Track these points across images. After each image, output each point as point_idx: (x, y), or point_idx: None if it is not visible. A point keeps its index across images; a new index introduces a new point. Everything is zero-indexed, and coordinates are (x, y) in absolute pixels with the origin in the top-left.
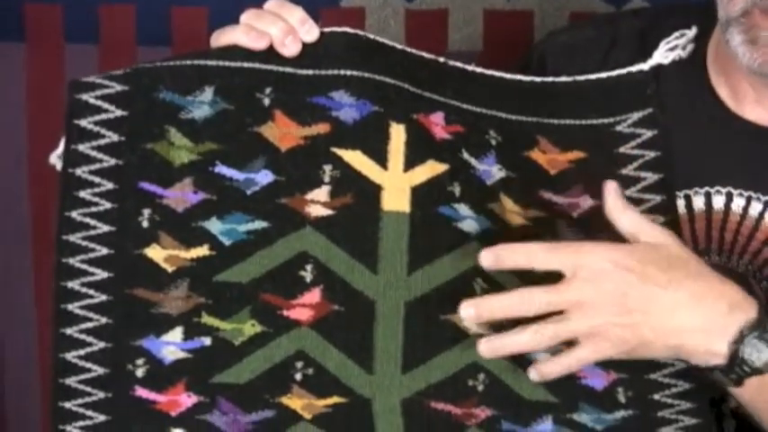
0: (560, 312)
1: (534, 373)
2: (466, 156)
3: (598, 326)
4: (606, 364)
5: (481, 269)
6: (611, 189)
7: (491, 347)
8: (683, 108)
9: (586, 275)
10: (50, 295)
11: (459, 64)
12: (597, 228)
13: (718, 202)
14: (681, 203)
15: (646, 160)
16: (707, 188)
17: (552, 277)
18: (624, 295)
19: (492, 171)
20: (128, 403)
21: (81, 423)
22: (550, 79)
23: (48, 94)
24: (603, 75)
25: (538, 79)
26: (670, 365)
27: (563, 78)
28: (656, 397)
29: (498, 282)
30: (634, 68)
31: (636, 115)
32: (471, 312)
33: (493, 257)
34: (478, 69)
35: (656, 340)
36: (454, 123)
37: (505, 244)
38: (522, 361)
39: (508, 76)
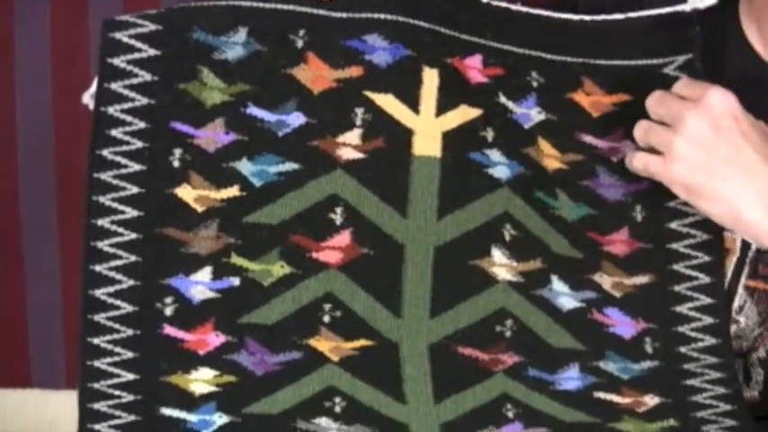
0: None
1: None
2: (503, 99)
3: (677, 147)
4: (636, 313)
5: (510, 215)
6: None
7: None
8: (714, 57)
9: (704, 106)
10: (79, 235)
11: (503, 3)
12: (637, 173)
13: None
14: None
15: None
16: None
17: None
18: (717, 138)
19: (531, 114)
20: (156, 341)
21: (108, 359)
22: (601, 18)
23: (72, 39)
24: (654, 12)
25: (588, 18)
26: (698, 320)
27: (613, 17)
28: (683, 350)
29: (528, 228)
30: (678, 8)
31: (681, 58)
32: None
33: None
34: (524, 9)
35: (721, 193)
36: (493, 66)
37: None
38: (549, 308)
39: (555, 15)
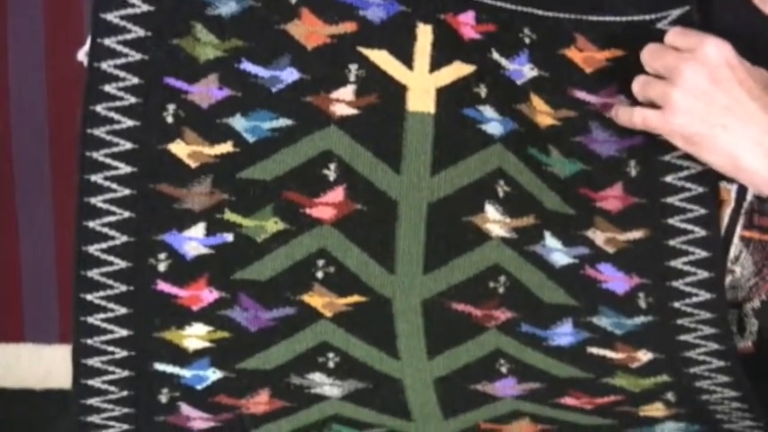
0: None
1: (613, 111)
2: (496, 56)
3: (675, 99)
4: (629, 268)
5: (504, 171)
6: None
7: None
8: (714, 13)
9: (700, 57)
10: (72, 190)
11: None
12: (630, 128)
13: None
14: None
15: None
16: None
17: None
18: (715, 88)
19: (523, 71)
20: (149, 297)
21: (102, 315)
22: None
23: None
24: None
25: None
26: (692, 275)
27: None
28: (677, 305)
29: (521, 184)
30: None
31: (675, 12)
32: None
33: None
34: None
35: (720, 142)
36: (485, 22)
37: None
38: (542, 264)
39: None
